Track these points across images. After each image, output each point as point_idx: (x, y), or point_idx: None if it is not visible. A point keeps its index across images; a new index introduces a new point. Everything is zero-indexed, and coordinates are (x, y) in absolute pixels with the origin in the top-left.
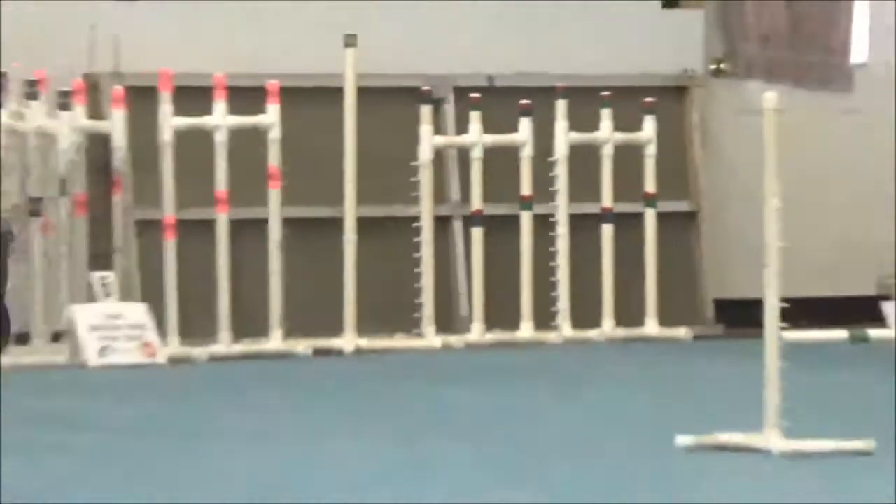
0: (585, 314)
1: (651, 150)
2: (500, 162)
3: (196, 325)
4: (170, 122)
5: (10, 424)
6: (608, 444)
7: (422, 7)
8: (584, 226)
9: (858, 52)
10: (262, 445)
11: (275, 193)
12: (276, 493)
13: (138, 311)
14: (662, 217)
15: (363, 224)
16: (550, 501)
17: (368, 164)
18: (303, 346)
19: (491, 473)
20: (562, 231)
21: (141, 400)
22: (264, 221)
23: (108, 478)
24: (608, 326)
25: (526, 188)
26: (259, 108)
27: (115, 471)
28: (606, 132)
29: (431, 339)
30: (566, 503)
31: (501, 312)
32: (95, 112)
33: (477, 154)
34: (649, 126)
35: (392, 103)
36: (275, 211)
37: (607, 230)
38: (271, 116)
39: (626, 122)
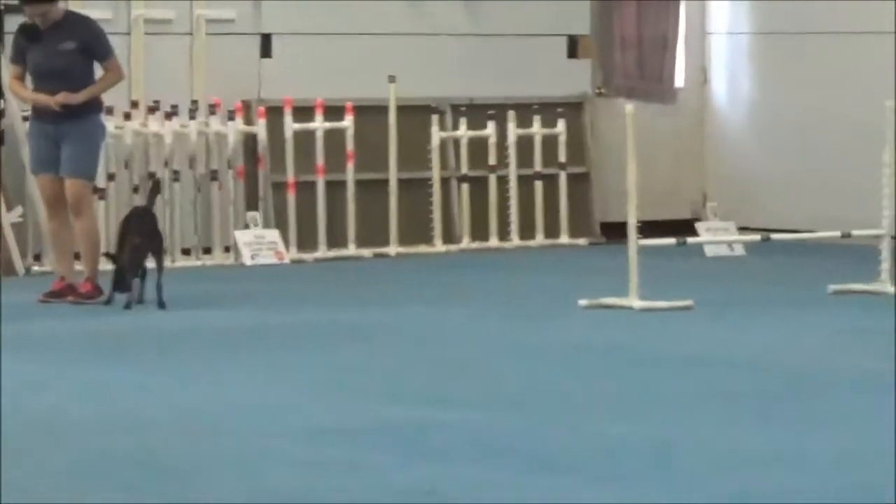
0: (531, 231)
1: (563, 138)
2: (477, 147)
3: (306, 240)
4: (291, 127)
5: (209, 292)
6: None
7: (440, 51)
8: (523, 184)
9: (678, 79)
10: (359, 309)
11: (350, 166)
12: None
13: (273, 234)
14: (570, 177)
15: (401, 182)
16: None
17: (401, 148)
18: (368, 252)
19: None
20: (512, 189)
21: (277, 283)
22: (343, 182)
23: (266, 321)
24: (540, 238)
25: (492, 160)
26: (340, 118)
27: (262, 312)
28: (538, 127)
29: (439, 246)
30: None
31: (478, 230)
32: (248, 121)
33: (463, 143)
34: (562, 124)
35: (412, 114)
36: (350, 176)
37: (538, 185)
38: (348, 123)
39: (550, 122)
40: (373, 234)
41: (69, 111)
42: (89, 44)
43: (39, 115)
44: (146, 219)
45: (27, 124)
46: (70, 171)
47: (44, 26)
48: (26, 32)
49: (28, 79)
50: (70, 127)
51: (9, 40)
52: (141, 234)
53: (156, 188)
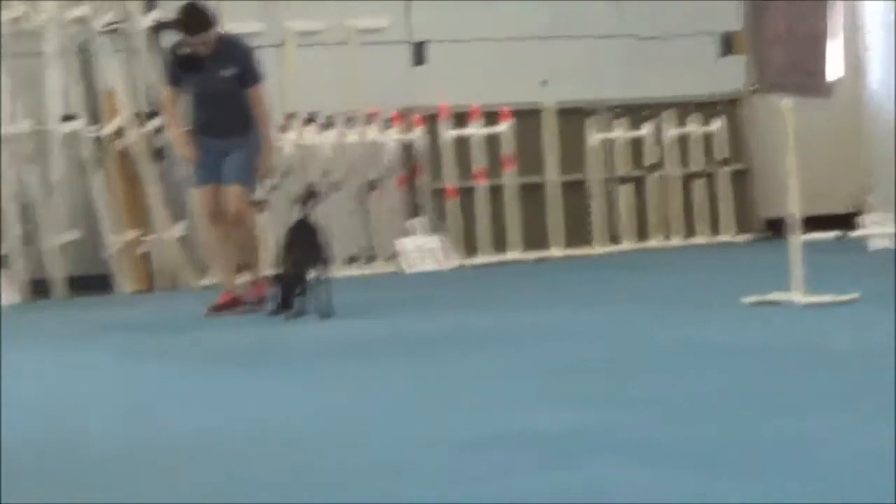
0: (693, 229)
1: (721, 136)
2: (635, 147)
3: (467, 246)
4: (448, 134)
5: (372, 301)
6: (702, 303)
7: (594, 54)
8: (682, 183)
9: (833, 73)
10: (521, 312)
11: (508, 170)
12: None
13: (434, 241)
14: (730, 174)
15: (560, 185)
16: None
17: (559, 151)
18: (530, 255)
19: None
20: (672, 188)
21: (439, 290)
22: (502, 186)
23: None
24: (701, 236)
25: (650, 160)
26: (497, 123)
27: (423, 319)
28: (695, 125)
29: (601, 247)
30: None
31: (639, 230)
32: (406, 129)
33: (621, 144)
34: (719, 121)
35: (568, 117)
36: (509, 180)
37: (698, 183)
38: (504, 128)
39: (707, 120)
40: (534, 237)
41: (235, 128)
42: (246, 69)
43: (204, 130)
44: (306, 230)
45: None
46: (233, 180)
47: (205, 53)
48: (185, 64)
49: (182, 97)
50: (235, 141)
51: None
52: (302, 246)
53: (310, 196)
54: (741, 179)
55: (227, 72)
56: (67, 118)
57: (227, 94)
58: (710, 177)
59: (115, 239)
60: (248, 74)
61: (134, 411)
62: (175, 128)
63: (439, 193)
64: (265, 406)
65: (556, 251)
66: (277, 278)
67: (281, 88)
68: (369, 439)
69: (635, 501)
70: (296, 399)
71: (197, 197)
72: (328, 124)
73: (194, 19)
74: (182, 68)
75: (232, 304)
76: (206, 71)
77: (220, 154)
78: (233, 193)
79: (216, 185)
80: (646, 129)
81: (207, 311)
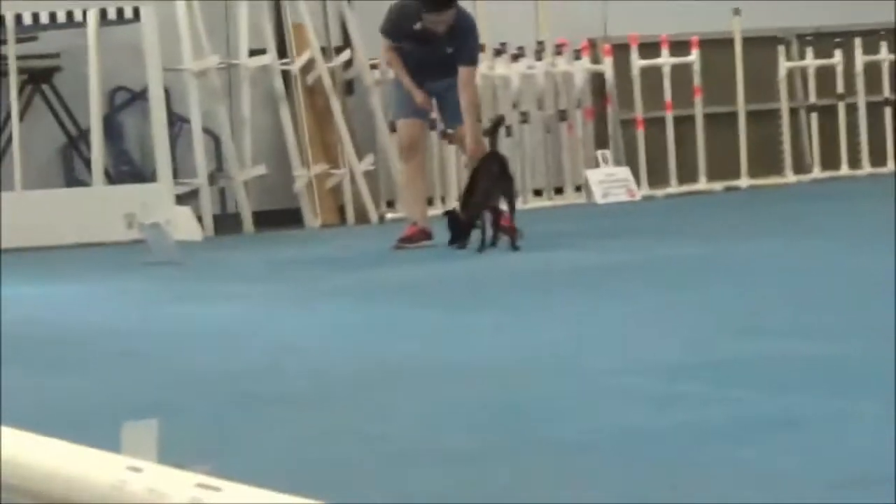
0: (882, 158)
1: None
2: (825, 76)
3: (656, 176)
4: (637, 64)
5: (561, 232)
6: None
7: None
8: (872, 111)
9: None
10: (711, 243)
11: (697, 100)
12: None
13: (624, 171)
14: None
15: (749, 115)
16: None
17: (748, 80)
18: (719, 185)
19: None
20: (861, 117)
21: (629, 220)
22: (692, 117)
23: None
24: (891, 164)
25: (840, 89)
26: (686, 53)
27: (614, 250)
28: (885, 53)
29: (790, 177)
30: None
31: (829, 160)
32: (594, 60)
33: (811, 72)
34: None
35: (758, 46)
36: (698, 110)
37: (888, 111)
38: (694, 57)
39: None
40: (723, 167)
41: (449, 70)
42: (464, 50)
43: (417, 68)
44: (494, 162)
45: (374, 73)
46: (461, 120)
47: (442, 32)
48: (413, 35)
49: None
50: (451, 87)
51: None
52: (490, 177)
53: (496, 125)
54: None
55: (449, 49)
56: (256, 52)
57: (441, 65)
58: None
59: (304, 173)
60: (465, 53)
61: (342, 343)
62: (405, 75)
63: (628, 124)
64: (458, 340)
65: (745, 181)
66: (464, 209)
67: None
68: (565, 369)
69: (835, 431)
70: (489, 330)
71: (401, 129)
72: (518, 55)
73: None
74: (408, 37)
75: (418, 237)
76: (432, 45)
77: (429, 92)
78: (467, 133)
79: (419, 119)
80: (836, 58)
81: (395, 244)
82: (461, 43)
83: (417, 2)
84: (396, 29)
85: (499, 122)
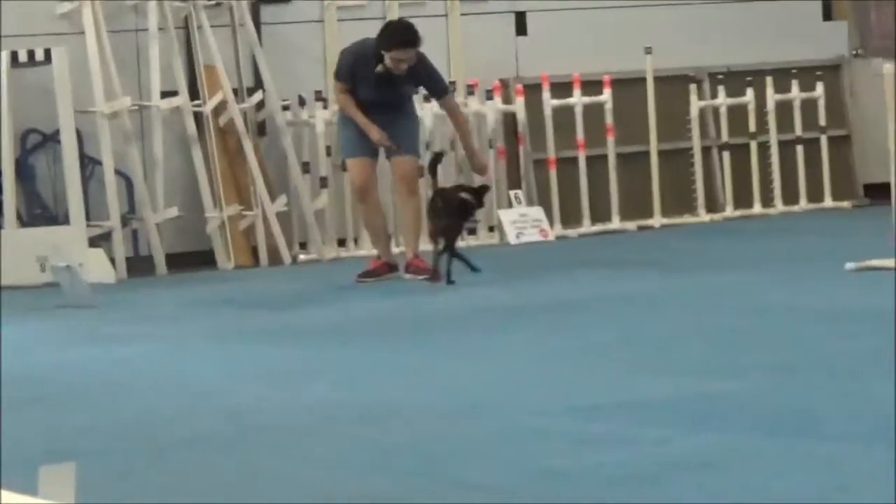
0: (794, 196)
1: (822, 101)
2: (737, 114)
3: (569, 216)
4: (549, 103)
5: (484, 265)
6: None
7: (695, 19)
8: (784, 149)
9: None
10: (626, 281)
11: (610, 139)
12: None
13: (537, 211)
14: (831, 140)
15: (661, 154)
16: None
17: (660, 119)
18: (632, 224)
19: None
20: (773, 155)
21: (542, 260)
22: (604, 156)
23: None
24: (803, 203)
25: (752, 127)
26: (598, 92)
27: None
28: (797, 91)
29: (703, 215)
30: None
31: (741, 198)
32: (506, 99)
33: (723, 111)
34: (821, 87)
35: (670, 85)
36: (611, 150)
37: (800, 150)
38: (606, 97)
39: (809, 86)
40: (636, 206)
41: (399, 106)
42: (433, 83)
43: (367, 107)
44: (436, 199)
45: (286, 114)
46: (406, 149)
47: (402, 71)
48: (375, 79)
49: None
50: (398, 115)
51: (265, 31)
52: (433, 215)
53: (436, 161)
54: (842, 145)
55: (408, 90)
56: (168, 94)
57: (396, 105)
58: (811, 143)
59: (217, 215)
60: (436, 85)
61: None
62: (360, 115)
63: (541, 164)
64: (374, 380)
65: (658, 220)
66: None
67: None
68: (481, 410)
69: (748, 470)
70: (406, 371)
71: (352, 168)
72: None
73: (413, 33)
74: (364, 80)
75: (382, 270)
76: (389, 86)
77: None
78: (407, 163)
79: (369, 159)
80: (748, 96)
81: (357, 277)
82: (426, 79)
83: (382, 41)
84: (351, 74)
85: (439, 157)
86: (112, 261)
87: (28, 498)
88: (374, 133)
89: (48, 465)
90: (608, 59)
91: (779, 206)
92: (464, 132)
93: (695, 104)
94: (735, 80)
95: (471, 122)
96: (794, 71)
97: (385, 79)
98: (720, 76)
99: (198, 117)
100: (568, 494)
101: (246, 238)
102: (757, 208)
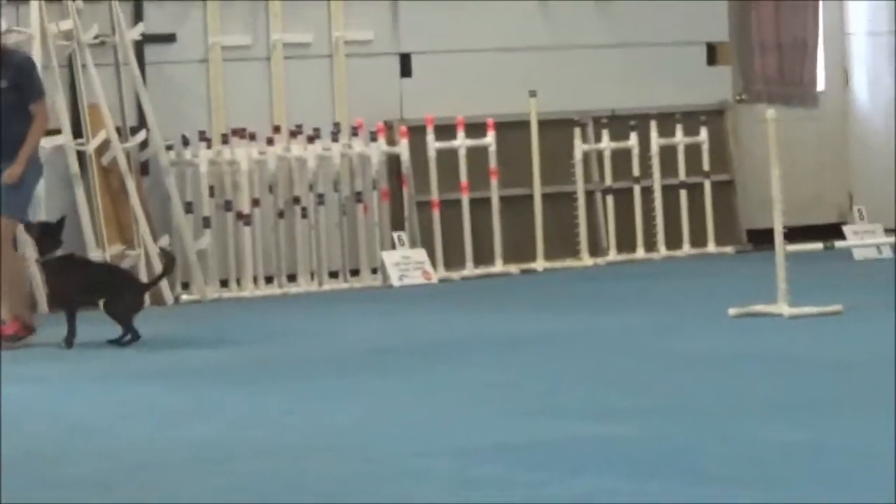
0: (678, 241)
1: (706, 146)
2: (620, 158)
3: (452, 259)
4: (433, 146)
5: (367, 307)
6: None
7: (579, 64)
8: (667, 194)
9: (819, 82)
10: (507, 325)
11: (494, 182)
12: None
13: (420, 254)
14: (714, 185)
15: (545, 197)
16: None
17: (544, 162)
18: (515, 268)
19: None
20: (657, 200)
21: (425, 303)
22: (488, 199)
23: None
24: (686, 247)
25: (636, 171)
26: (482, 135)
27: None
28: (680, 136)
29: (586, 259)
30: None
31: (625, 242)
32: (391, 141)
33: (607, 154)
34: (704, 132)
35: (554, 128)
36: (494, 192)
37: (683, 194)
38: (490, 140)
39: (692, 130)
40: (519, 249)
41: (4, 152)
42: (21, 83)
43: None
44: (69, 263)
45: (170, 154)
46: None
47: None
48: None
49: None
50: (3, 167)
51: (149, 70)
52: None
53: (168, 265)
54: (726, 190)
55: (1, 84)
56: (51, 133)
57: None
58: (695, 188)
59: (99, 253)
60: (23, 89)
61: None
62: None
63: (424, 206)
64: (254, 422)
65: (541, 263)
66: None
67: (270, 101)
68: (364, 452)
69: None
70: (283, 414)
71: None
72: (314, 137)
73: None
74: None
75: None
76: None
77: None
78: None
79: None
80: (632, 140)
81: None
82: (18, 81)
83: None
84: None
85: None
86: None
87: None
88: None
89: None
90: (492, 101)
91: (662, 251)
92: (34, 138)
93: (579, 148)
94: (619, 124)
95: (354, 163)
96: (678, 115)
97: None
98: (604, 120)
99: (81, 156)
100: None
101: None
102: (640, 252)
